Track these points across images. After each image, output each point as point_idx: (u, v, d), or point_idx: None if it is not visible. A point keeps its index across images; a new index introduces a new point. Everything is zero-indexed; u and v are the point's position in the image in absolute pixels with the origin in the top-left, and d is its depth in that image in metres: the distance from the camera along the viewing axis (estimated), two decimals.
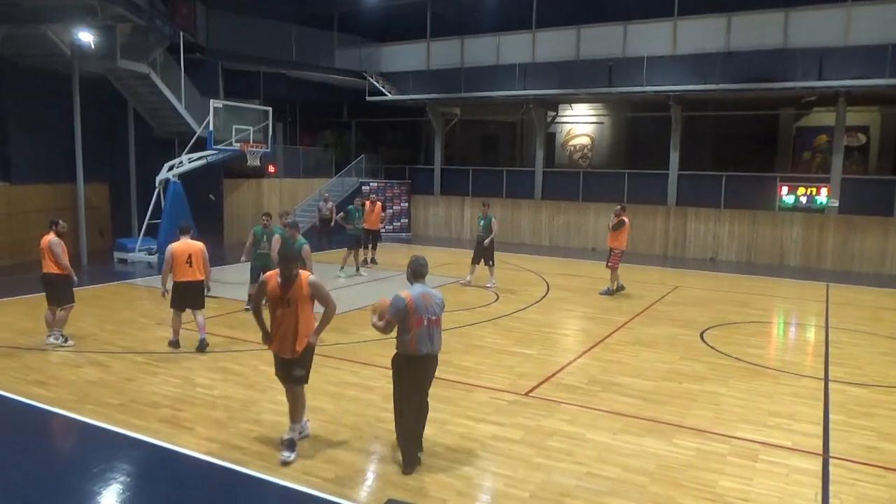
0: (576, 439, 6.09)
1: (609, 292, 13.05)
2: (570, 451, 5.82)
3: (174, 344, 8.68)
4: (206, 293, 8.94)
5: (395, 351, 5.50)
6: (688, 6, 18.79)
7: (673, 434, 6.26)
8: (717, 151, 22.89)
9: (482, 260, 13.65)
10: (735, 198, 19.46)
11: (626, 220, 13.06)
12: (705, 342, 9.72)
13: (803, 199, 18.62)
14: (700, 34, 18.83)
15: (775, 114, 21.35)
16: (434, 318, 5.41)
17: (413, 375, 5.44)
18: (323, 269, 15.21)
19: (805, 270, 17.65)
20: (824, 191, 18.34)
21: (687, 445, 6.01)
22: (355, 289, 13.21)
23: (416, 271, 5.54)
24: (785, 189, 18.83)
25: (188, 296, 8.63)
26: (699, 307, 12.21)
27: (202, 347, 8.57)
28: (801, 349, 10.12)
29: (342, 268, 15.04)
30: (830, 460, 5.82)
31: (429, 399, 5.65)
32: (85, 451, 5.80)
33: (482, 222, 13.84)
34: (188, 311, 8.71)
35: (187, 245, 8.67)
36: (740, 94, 18.97)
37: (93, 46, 15.09)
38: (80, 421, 6.33)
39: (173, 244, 8.73)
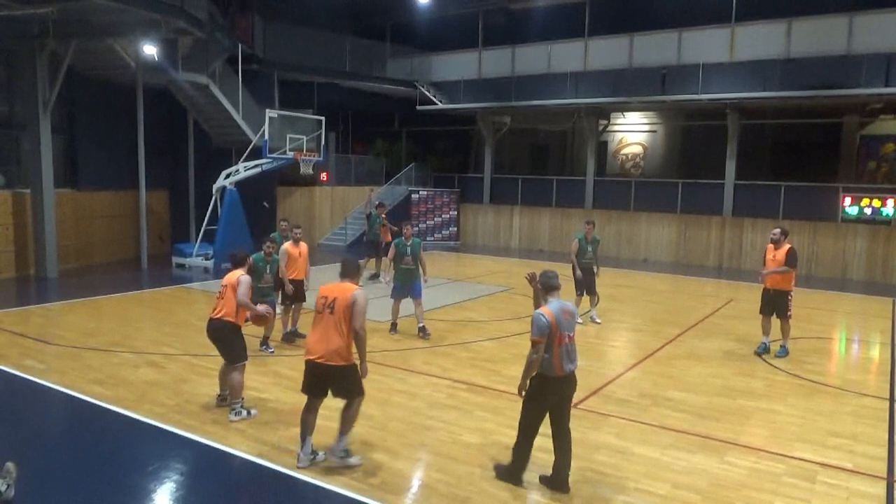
0: (624, 453, 5.98)
1: (785, 353, 9.41)
2: (618, 466, 5.72)
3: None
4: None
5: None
6: (746, 12, 18.34)
7: (726, 451, 6.08)
8: (775, 160, 22.22)
9: (585, 290, 11.45)
10: (794, 208, 18.82)
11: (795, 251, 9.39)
12: (762, 358, 9.41)
13: (868, 211, 17.87)
14: (759, 40, 18.34)
15: (838, 122, 20.58)
16: (572, 334, 5.17)
17: (552, 397, 5.17)
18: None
19: (869, 285, 16.92)
20: (891, 202, 17.57)
21: (740, 464, 5.82)
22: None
23: (549, 284, 5.21)
24: (848, 200, 18.11)
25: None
26: (755, 321, 11.78)
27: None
28: (864, 367, 9.69)
29: (379, 274, 14.89)
30: (895, 485, 5.56)
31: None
32: (142, 448, 5.99)
33: (591, 247, 11.40)
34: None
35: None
36: (801, 102, 18.37)
37: (156, 59, 15.70)
38: (137, 420, 6.56)
39: None
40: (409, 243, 10.17)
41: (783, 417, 7.02)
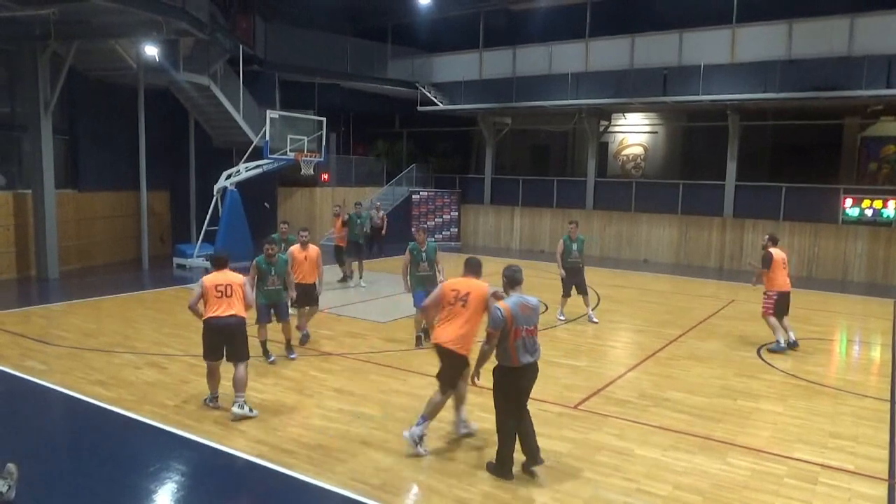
0: (625, 454, 5.98)
1: (779, 348, 9.68)
2: (619, 467, 5.72)
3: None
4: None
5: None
6: (747, 13, 18.33)
7: (726, 452, 6.08)
8: (776, 162, 22.22)
9: (575, 289, 11.47)
10: (795, 210, 18.81)
11: (772, 252, 9.83)
12: (762, 359, 9.41)
13: (868, 212, 17.85)
14: (760, 41, 18.33)
15: (839, 123, 20.57)
16: (531, 327, 5.39)
17: (514, 386, 5.41)
18: (375, 277, 15.37)
19: (870, 286, 16.91)
20: (891, 203, 17.56)
21: (741, 465, 5.82)
22: (402, 297, 13.25)
23: (512, 278, 5.48)
24: (849, 201, 18.09)
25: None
26: (756, 322, 11.79)
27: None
28: (865, 368, 9.69)
29: (359, 276, 14.61)
30: None
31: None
32: (142, 449, 6.00)
33: (575, 246, 11.40)
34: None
35: None
36: (802, 103, 18.37)
37: (157, 60, 15.71)
38: (138, 420, 6.56)
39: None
40: (423, 248, 9.63)
41: (784, 418, 7.02)
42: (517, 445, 5.49)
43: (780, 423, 6.90)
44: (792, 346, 9.74)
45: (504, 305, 5.30)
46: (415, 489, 5.33)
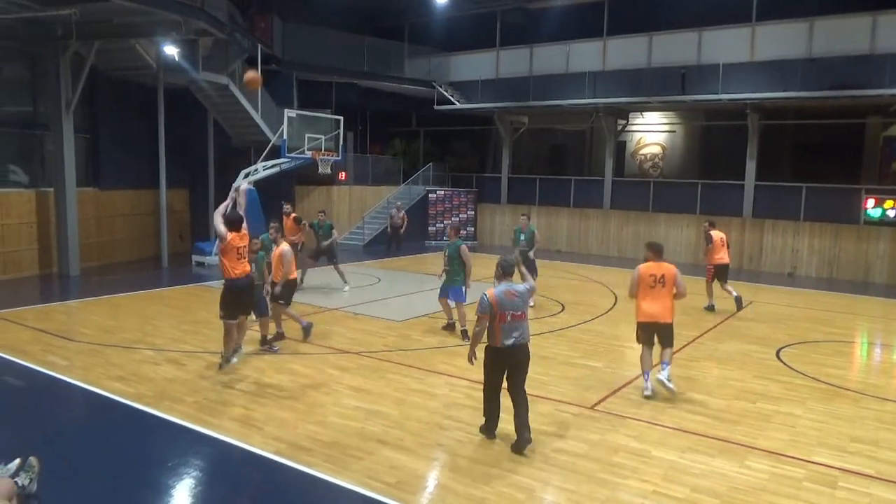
0: (642, 456, 5.95)
1: (709, 306, 12.65)
2: (636, 469, 5.69)
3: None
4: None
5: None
6: (767, 11, 18.14)
7: (745, 455, 6.02)
8: (796, 161, 21.96)
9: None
10: (816, 210, 18.58)
11: (712, 234, 12.65)
12: (781, 361, 9.31)
13: (891, 213, 17.57)
14: (780, 40, 18.13)
15: (860, 122, 20.28)
16: (518, 313, 5.91)
17: (499, 364, 5.98)
18: (391, 276, 15.43)
19: (892, 288, 16.66)
20: None
21: (760, 468, 5.77)
22: (419, 296, 13.30)
23: (506, 270, 6.09)
24: (871, 202, 17.82)
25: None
26: (775, 324, 11.71)
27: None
28: (887, 371, 9.55)
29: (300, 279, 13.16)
30: None
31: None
32: (161, 445, 6.06)
33: (523, 236, 12.32)
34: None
35: None
36: (823, 102, 18.13)
37: (176, 59, 15.86)
38: (157, 416, 6.63)
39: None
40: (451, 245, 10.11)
41: (803, 421, 6.94)
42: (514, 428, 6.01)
43: (799, 426, 6.82)
44: (737, 301, 12.40)
45: (490, 293, 5.89)
46: (430, 487, 5.34)
